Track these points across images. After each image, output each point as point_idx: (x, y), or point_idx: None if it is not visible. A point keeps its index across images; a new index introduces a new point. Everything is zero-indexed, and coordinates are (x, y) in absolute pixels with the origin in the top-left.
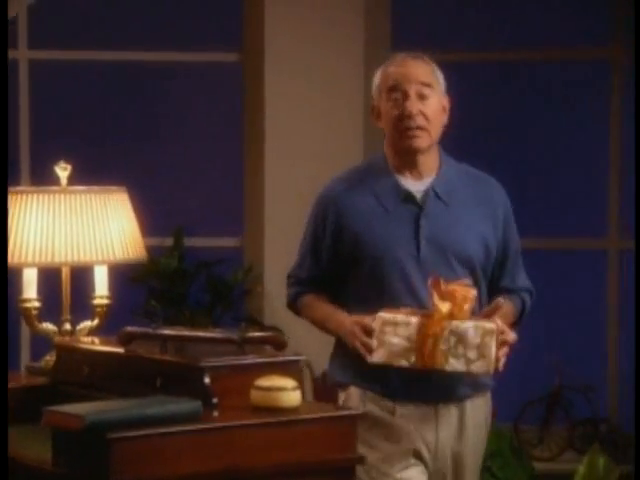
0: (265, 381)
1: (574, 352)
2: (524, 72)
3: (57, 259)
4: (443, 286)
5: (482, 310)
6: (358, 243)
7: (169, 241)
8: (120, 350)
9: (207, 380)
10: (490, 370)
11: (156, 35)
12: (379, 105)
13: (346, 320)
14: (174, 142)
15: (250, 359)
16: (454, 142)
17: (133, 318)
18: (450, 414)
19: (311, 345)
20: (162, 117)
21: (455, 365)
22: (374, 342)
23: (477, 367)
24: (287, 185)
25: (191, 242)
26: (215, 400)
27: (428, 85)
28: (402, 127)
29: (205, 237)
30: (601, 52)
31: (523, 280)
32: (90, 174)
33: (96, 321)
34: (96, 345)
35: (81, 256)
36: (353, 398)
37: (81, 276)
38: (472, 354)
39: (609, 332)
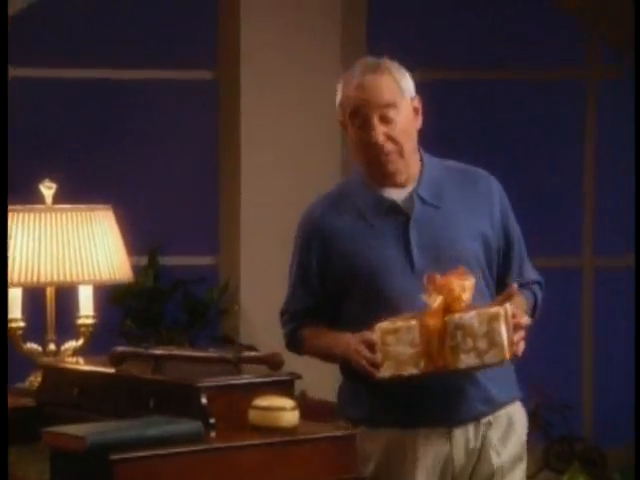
0: (263, 401)
1: (550, 371)
2: (499, 90)
3: (43, 279)
4: (438, 280)
5: (495, 299)
6: (348, 265)
7: (144, 260)
8: (111, 370)
9: (204, 400)
10: (505, 356)
11: (131, 53)
12: (345, 123)
13: (351, 340)
14: (148, 160)
15: (247, 379)
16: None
17: (112, 339)
18: (467, 436)
19: (288, 364)
20: (137, 135)
21: (467, 361)
22: (378, 356)
23: (490, 357)
24: (263, 202)
25: (166, 261)
26: (212, 420)
27: (391, 105)
28: (370, 155)
29: (180, 256)
30: (577, 72)
31: (531, 272)
32: (65, 192)
33: (81, 341)
34: (86, 365)
35: (67, 276)
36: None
37: (63, 295)
38: (482, 344)
39: (584, 350)
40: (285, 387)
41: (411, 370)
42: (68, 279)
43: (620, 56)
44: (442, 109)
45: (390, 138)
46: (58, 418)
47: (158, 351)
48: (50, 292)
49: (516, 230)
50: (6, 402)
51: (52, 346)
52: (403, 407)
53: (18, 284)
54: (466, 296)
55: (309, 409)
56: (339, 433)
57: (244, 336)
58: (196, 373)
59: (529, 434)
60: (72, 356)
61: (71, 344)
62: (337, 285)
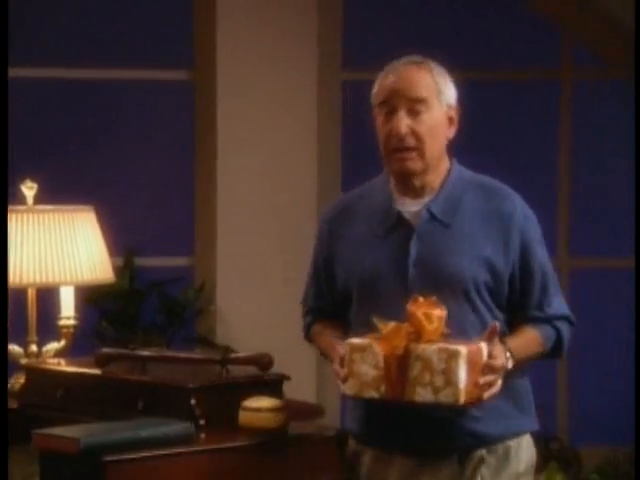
0: (253, 402)
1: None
2: (475, 91)
3: (25, 280)
4: (410, 306)
5: (481, 336)
6: (346, 272)
7: (119, 261)
8: (97, 372)
9: (193, 401)
10: (458, 399)
11: (107, 53)
12: (375, 116)
13: (335, 348)
14: (123, 160)
15: (236, 380)
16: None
17: (88, 340)
18: (454, 473)
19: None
20: (112, 135)
21: (423, 395)
22: (345, 371)
23: (444, 396)
24: (240, 203)
25: (141, 262)
26: (202, 422)
27: (422, 100)
28: (390, 148)
29: (155, 257)
30: (551, 72)
31: (556, 307)
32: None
33: (63, 342)
34: (71, 367)
35: (49, 277)
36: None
37: (43, 296)
38: (439, 381)
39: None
40: (273, 388)
41: (372, 393)
42: (50, 280)
43: (594, 57)
44: None
45: (414, 133)
46: (42, 420)
47: (145, 352)
48: (31, 293)
49: (540, 261)
50: (6, 403)
51: (34, 347)
52: (388, 429)
53: None
54: (433, 326)
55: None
56: (329, 434)
57: (220, 337)
58: (184, 374)
59: None
60: (54, 357)
61: (53, 345)
62: (341, 290)
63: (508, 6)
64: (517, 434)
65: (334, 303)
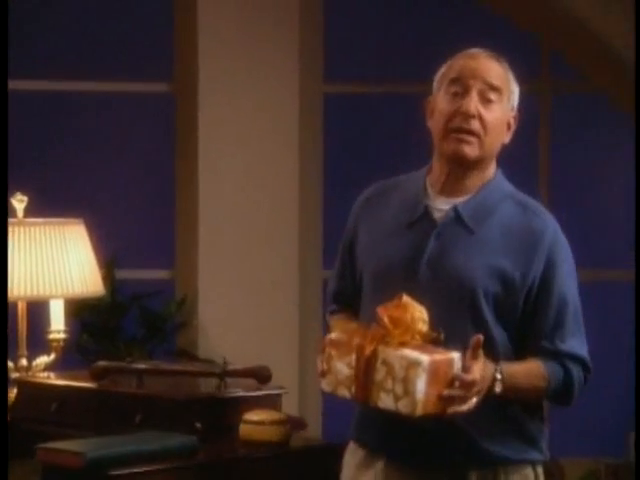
0: (254, 415)
1: None
2: None
3: (16, 293)
4: (380, 307)
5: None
6: (365, 261)
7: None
8: (93, 385)
9: (193, 415)
10: (415, 411)
11: (87, 65)
12: (435, 100)
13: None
14: (102, 173)
15: (236, 393)
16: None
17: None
18: None
19: None
20: (91, 148)
21: (385, 401)
22: (324, 366)
23: (403, 406)
24: (221, 216)
25: (120, 274)
26: (203, 435)
27: (496, 89)
28: (452, 127)
29: (135, 269)
30: (529, 86)
31: (572, 346)
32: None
33: (52, 356)
34: (65, 380)
35: (40, 290)
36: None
37: (31, 310)
38: (398, 389)
39: None
40: (273, 401)
41: (344, 393)
42: (42, 293)
43: (573, 70)
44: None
45: (481, 119)
46: (36, 434)
47: (142, 365)
48: (22, 306)
49: (562, 290)
50: (6, 411)
51: (24, 361)
52: (377, 428)
53: None
54: (399, 331)
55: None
56: (331, 446)
57: (202, 350)
58: (182, 387)
59: None
60: (43, 371)
61: (43, 359)
62: (359, 275)
63: (488, 19)
64: (514, 460)
65: (354, 287)
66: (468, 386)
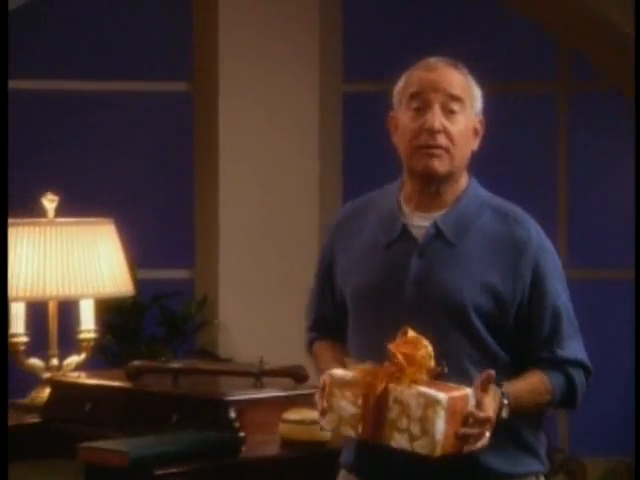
0: (294, 414)
1: None
2: None
3: (48, 293)
4: (393, 344)
5: (476, 383)
6: (343, 284)
7: None
8: (128, 385)
9: (232, 414)
10: (434, 451)
11: (106, 64)
12: (397, 116)
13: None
14: (122, 173)
15: (275, 392)
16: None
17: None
18: None
19: None
20: (112, 148)
21: (399, 441)
22: (324, 403)
23: (420, 446)
24: (241, 216)
25: (141, 274)
26: (242, 434)
27: (458, 99)
28: (418, 144)
29: (154, 269)
30: (547, 85)
31: (571, 351)
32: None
33: (83, 356)
34: (98, 380)
35: (72, 290)
36: None
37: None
38: (415, 429)
39: None
40: (308, 400)
41: (349, 432)
42: (73, 293)
43: (591, 70)
44: None
45: (447, 132)
46: (68, 434)
47: (177, 365)
48: (52, 306)
49: (553, 296)
50: (6, 403)
51: (55, 361)
52: (374, 459)
53: (23, 298)
54: (413, 369)
55: None
56: None
57: (222, 349)
58: (218, 387)
59: None
60: (74, 371)
61: (73, 359)
62: (340, 298)
63: (505, 18)
64: (529, 474)
65: (336, 312)
66: (483, 423)
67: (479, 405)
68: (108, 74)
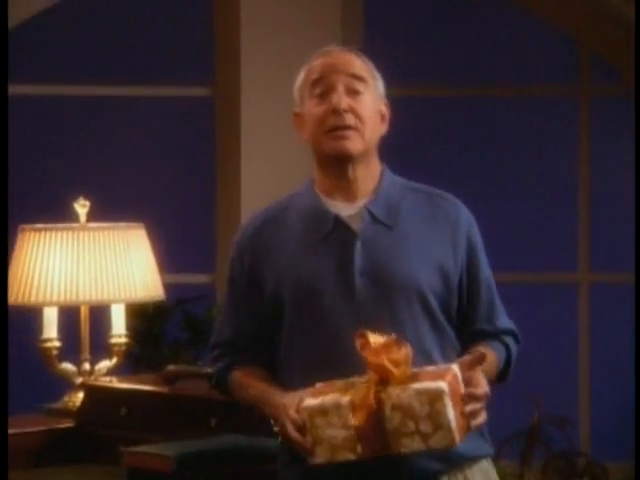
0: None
1: (547, 386)
2: (492, 108)
3: (81, 298)
4: (368, 355)
5: (461, 359)
6: (277, 287)
7: None
8: (165, 389)
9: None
10: (454, 439)
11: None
12: (302, 112)
13: (278, 406)
14: (143, 178)
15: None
16: (420, 177)
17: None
18: None
19: None
20: (133, 152)
21: (410, 445)
22: (308, 440)
23: (436, 442)
24: None
25: (162, 279)
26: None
27: (361, 79)
28: (327, 127)
29: (175, 274)
30: (568, 88)
31: (504, 321)
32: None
33: (114, 360)
34: (135, 385)
35: (104, 295)
36: None
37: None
38: (426, 427)
39: (581, 365)
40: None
41: (347, 455)
42: (105, 298)
43: (613, 73)
44: (433, 125)
45: (353, 111)
46: (103, 439)
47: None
48: (84, 311)
49: (486, 273)
50: (6, 403)
51: (87, 366)
52: (339, 467)
53: (57, 303)
54: (401, 370)
55: None
56: None
57: None
58: None
59: (530, 448)
60: (105, 375)
61: (105, 363)
62: (267, 311)
63: (526, 21)
64: (484, 456)
65: (258, 329)
66: (480, 399)
67: (471, 382)
68: (133, 79)
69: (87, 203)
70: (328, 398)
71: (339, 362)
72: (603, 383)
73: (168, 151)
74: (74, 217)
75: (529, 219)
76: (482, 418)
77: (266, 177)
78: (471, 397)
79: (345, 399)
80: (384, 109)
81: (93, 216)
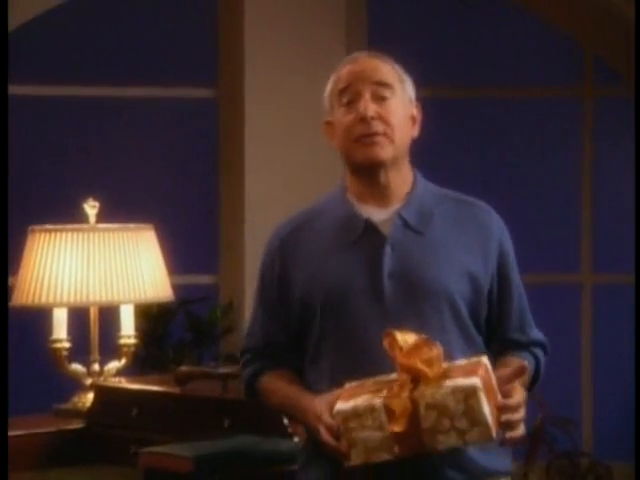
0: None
1: (550, 386)
2: (495, 109)
3: (92, 299)
4: (399, 358)
5: (499, 371)
6: (306, 291)
7: None
8: (178, 390)
9: (286, 420)
10: (492, 434)
11: (130, 70)
12: (332, 120)
13: (310, 411)
14: (147, 179)
15: None
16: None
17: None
18: None
19: None
20: (136, 153)
21: (447, 442)
22: (343, 444)
23: (474, 437)
24: (267, 222)
25: None
26: (297, 439)
27: (387, 85)
28: (355, 135)
29: (178, 275)
30: (572, 89)
31: (535, 332)
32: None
33: (123, 361)
34: (146, 385)
35: (114, 296)
36: None
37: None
38: (462, 424)
39: (583, 366)
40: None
41: (384, 456)
42: (115, 299)
43: (616, 74)
44: (436, 127)
45: (381, 118)
46: (114, 439)
47: (226, 370)
48: (94, 312)
49: (517, 278)
50: (6, 403)
51: (96, 366)
52: (361, 471)
53: (67, 304)
54: (434, 371)
55: None
56: None
57: None
58: None
59: (534, 448)
60: (114, 376)
61: (114, 364)
62: (297, 316)
63: (529, 22)
64: (505, 474)
65: (288, 335)
66: (517, 408)
67: (508, 393)
68: (139, 80)
69: (96, 204)
70: (360, 400)
71: (366, 364)
72: (606, 384)
73: (172, 152)
74: (84, 218)
75: (531, 220)
76: (520, 431)
77: (270, 178)
78: (506, 408)
79: (378, 401)
80: (415, 112)
81: (102, 217)
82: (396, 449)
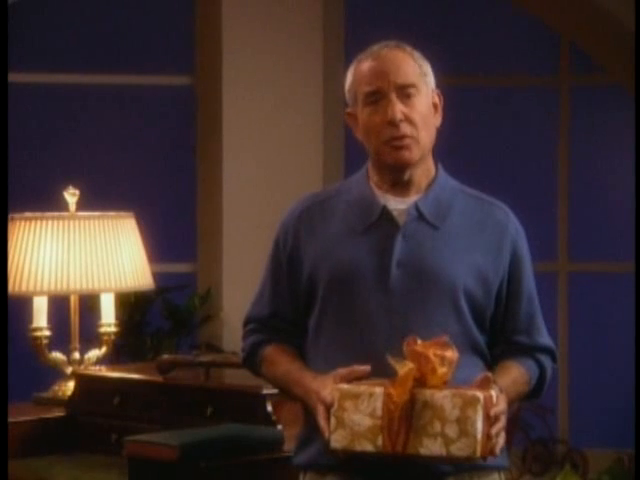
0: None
1: None
2: (473, 98)
3: (72, 287)
4: (415, 346)
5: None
6: (314, 269)
7: None
8: (160, 378)
9: (270, 408)
10: (476, 451)
11: (107, 58)
12: (355, 113)
13: (311, 389)
14: (122, 166)
15: None
16: None
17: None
18: None
19: None
20: (113, 140)
21: (431, 447)
22: (332, 421)
23: (458, 449)
24: (245, 210)
25: None
26: (279, 427)
27: (412, 85)
28: (384, 137)
29: (156, 263)
30: (549, 80)
31: (543, 338)
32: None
33: (103, 349)
34: (128, 374)
35: (94, 284)
36: None
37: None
38: (451, 431)
39: (559, 354)
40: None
41: (366, 446)
42: (95, 287)
43: (593, 64)
44: None
45: (408, 119)
46: (95, 428)
47: (209, 358)
48: (74, 300)
49: (529, 282)
50: (6, 402)
51: (76, 355)
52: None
53: (47, 292)
54: (443, 370)
55: None
56: None
57: (227, 343)
58: (252, 380)
59: (509, 436)
60: (95, 364)
61: (94, 353)
62: (303, 291)
63: (508, 12)
64: (496, 469)
65: (295, 309)
66: (500, 416)
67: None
68: (108, 68)
69: (76, 192)
70: (363, 386)
71: (364, 348)
72: (582, 371)
73: (149, 141)
74: (63, 206)
75: (510, 208)
76: (501, 442)
77: (247, 166)
78: (497, 417)
79: (379, 389)
80: (436, 99)
81: (82, 205)
82: (379, 442)
